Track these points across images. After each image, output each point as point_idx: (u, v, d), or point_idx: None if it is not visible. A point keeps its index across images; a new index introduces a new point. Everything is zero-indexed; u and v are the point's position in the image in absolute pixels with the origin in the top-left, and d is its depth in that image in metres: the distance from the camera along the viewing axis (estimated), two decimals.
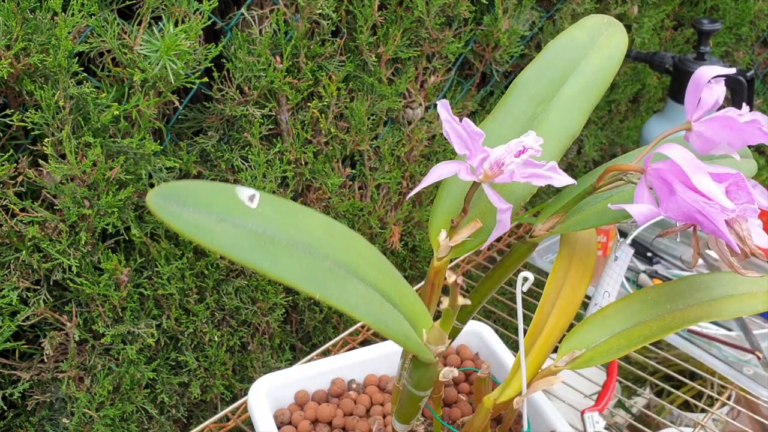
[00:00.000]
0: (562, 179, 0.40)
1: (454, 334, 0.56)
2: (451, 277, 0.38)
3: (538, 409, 0.64)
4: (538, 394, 0.65)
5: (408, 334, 0.42)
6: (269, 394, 0.67)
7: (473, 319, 0.70)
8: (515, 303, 0.49)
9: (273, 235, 0.39)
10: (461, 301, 0.40)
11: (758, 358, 0.85)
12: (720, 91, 0.43)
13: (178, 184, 0.39)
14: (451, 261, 0.48)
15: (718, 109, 0.43)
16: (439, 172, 0.40)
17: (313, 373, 0.69)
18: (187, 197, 0.38)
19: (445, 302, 0.41)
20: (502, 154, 0.39)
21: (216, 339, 0.84)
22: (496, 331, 0.99)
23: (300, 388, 0.68)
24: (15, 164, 0.64)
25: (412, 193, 0.40)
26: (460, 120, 0.39)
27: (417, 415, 0.50)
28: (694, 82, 0.43)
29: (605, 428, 0.84)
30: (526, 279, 0.46)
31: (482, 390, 0.54)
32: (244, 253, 0.37)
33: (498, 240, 1.11)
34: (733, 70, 0.44)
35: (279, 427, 0.65)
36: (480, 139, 0.40)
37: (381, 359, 0.71)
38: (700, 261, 1.00)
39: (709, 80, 0.43)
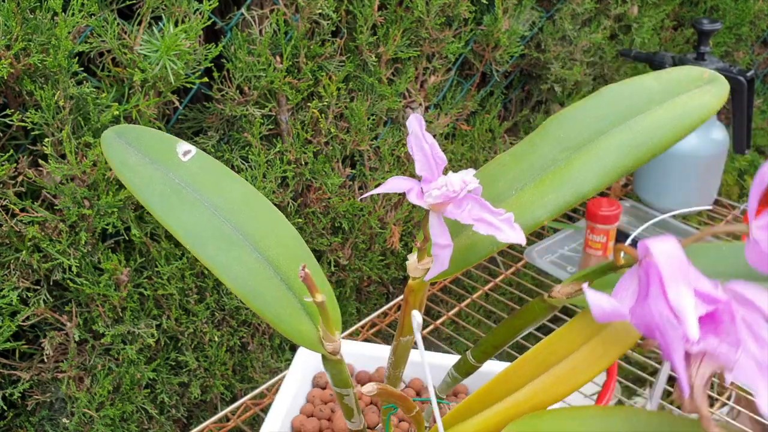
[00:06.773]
0: (510, 236, 0.35)
1: (470, 370, 0.52)
2: (302, 271, 0.38)
3: None
4: None
5: (281, 317, 0.41)
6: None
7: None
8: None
9: (185, 186, 0.42)
10: (318, 297, 0.40)
11: None
12: None
13: (134, 127, 0.44)
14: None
15: None
16: (392, 185, 0.37)
17: (367, 353, 0.69)
18: (135, 139, 0.43)
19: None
20: (437, 184, 0.36)
21: (216, 339, 0.84)
22: None
23: (350, 362, 0.68)
24: (15, 164, 0.64)
25: (364, 196, 0.39)
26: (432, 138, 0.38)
27: (354, 414, 0.50)
28: (759, 177, 0.33)
29: None
30: (419, 324, 0.42)
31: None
32: (147, 194, 0.41)
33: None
34: None
35: (312, 387, 0.67)
36: (442, 165, 0.37)
37: (438, 368, 0.64)
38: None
39: None
